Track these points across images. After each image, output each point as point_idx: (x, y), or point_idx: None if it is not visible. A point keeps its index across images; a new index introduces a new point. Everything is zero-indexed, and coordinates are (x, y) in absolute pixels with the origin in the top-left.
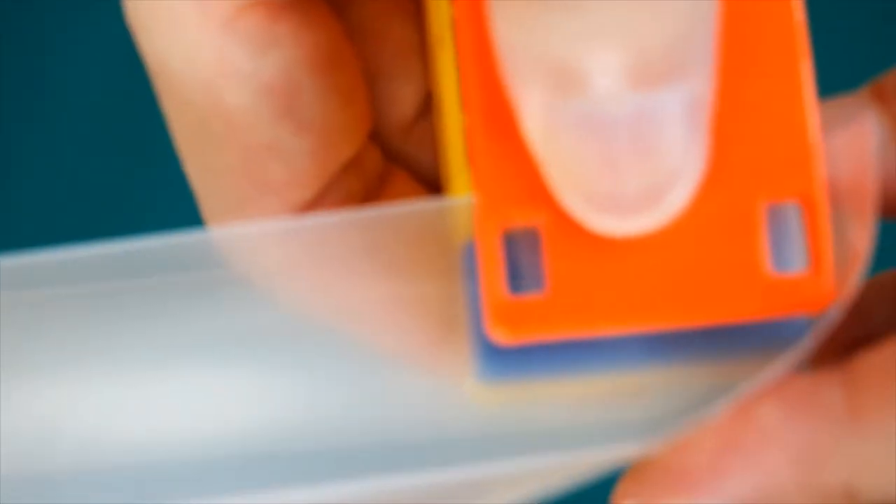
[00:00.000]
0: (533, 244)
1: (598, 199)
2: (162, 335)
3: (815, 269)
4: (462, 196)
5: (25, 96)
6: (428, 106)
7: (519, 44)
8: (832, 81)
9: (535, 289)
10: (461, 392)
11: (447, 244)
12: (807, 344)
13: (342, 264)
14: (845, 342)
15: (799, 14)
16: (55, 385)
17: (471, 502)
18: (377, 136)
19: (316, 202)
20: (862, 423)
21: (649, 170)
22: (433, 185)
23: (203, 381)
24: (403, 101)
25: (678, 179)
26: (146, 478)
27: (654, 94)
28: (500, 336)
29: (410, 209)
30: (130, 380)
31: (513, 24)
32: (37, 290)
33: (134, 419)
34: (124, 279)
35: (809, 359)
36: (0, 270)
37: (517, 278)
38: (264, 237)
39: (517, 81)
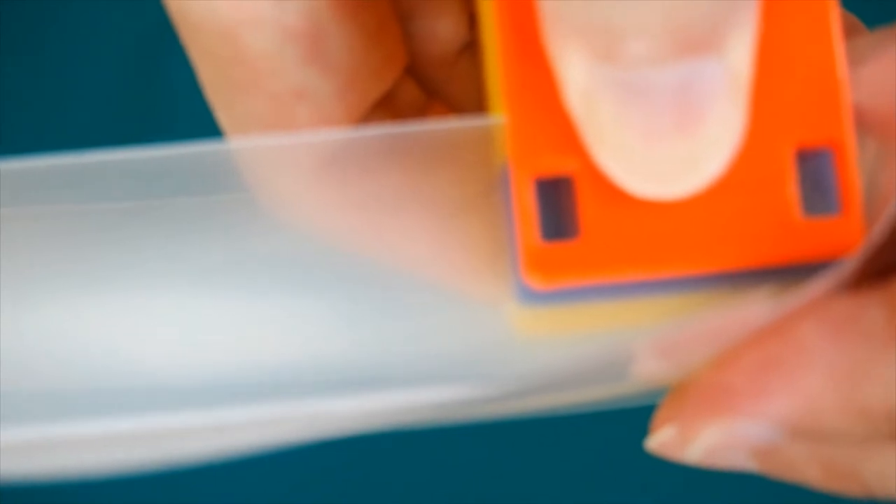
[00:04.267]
0: (567, 192)
1: (636, 164)
2: (184, 258)
3: (844, 212)
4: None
5: (51, 44)
6: (468, 41)
7: (563, 4)
8: None
9: (570, 235)
10: (501, 318)
11: (488, 163)
12: (846, 266)
13: (376, 185)
14: (885, 266)
15: None
16: (62, 305)
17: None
18: (416, 72)
19: None
20: None
21: (689, 138)
22: None
23: (229, 307)
24: (442, 36)
25: (717, 147)
26: (157, 400)
27: (697, 63)
28: (534, 282)
29: (448, 126)
30: (149, 304)
31: None
32: (48, 203)
33: (146, 343)
34: (144, 198)
35: (851, 280)
36: (2, 174)
37: (552, 224)
38: (292, 157)
39: (559, 42)
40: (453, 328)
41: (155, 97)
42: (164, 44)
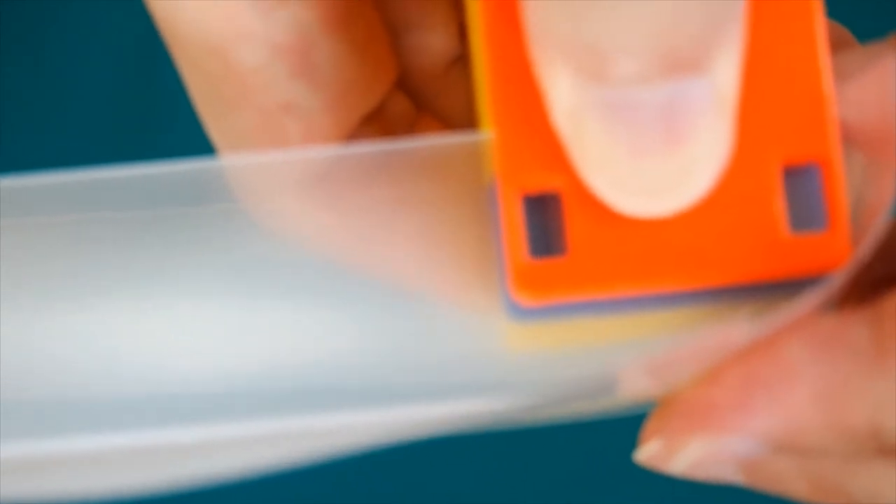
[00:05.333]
0: (555, 208)
1: (623, 182)
2: (177, 267)
3: (831, 228)
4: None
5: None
6: (459, 53)
7: (550, 23)
8: None
9: (557, 252)
10: (493, 332)
11: (478, 179)
12: (833, 282)
13: (367, 200)
14: (871, 282)
15: None
16: (60, 315)
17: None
18: (406, 85)
19: None
20: (888, 362)
21: (676, 156)
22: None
23: (223, 316)
24: (433, 49)
25: (705, 164)
26: (160, 409)
27: (684, 82)
28: (522, 299)
29: (438, 142)
30: (147, 311)
31: (545, 2)
32: (45, 215)
33: (148, 352)
34: (138, 209)
35: (836, 299)
36: (1, 190)
37: (540, 240)
38: (283, 173)
39: (546, 60)
40: (444, 343)
41: (154, 97)
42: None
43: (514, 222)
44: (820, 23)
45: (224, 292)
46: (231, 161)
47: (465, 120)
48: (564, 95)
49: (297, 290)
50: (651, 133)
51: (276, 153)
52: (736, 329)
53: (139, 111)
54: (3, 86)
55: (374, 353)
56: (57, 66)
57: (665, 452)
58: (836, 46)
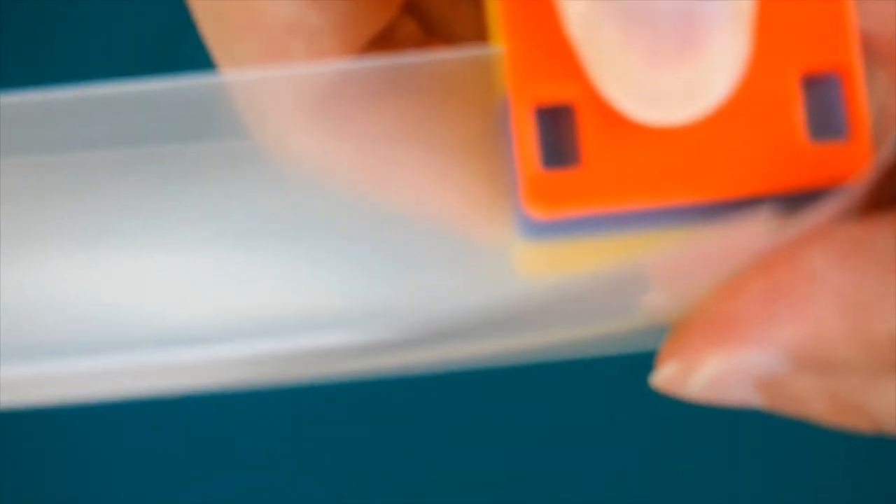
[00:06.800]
0: (568, 120)
1: (638, 90)
2: (186, 207)
3: (852, 137)
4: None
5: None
6: None
7: None
8: None
9: (571, 164)
10: (505, 262)
11: (488, 98)
12: (855, 189)
13: (375, 120)
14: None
15: None
16: (61, 257)
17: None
18: (415, 8)
19: None
20: None
21: (692, 62)
22: None
23: (232, 258)
24: None
25: (721, 72)
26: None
27: None
28: (535, 211)
29: (447, 56)
30: (151, 255)
31: None
32: (45, 153)
33: (148, 297)
34: (145, 145)
35: (859, 206)
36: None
37: (553, 153)
38: (289, 92)
39: None
40: (456, 271)
41: None
42: (175, 45)
43: (526, 134)
44: None
45: (229, 233)
46: (237, 77)
47: (478, 42)
48: (578, 3)
49: (303, 228)
50: (666, 40)
51: (281, 69)
52: (755, 233)
53: None
54: (11, 85)
55: (383, 288)
56: (67, 67)
57: (682, 374)
58: None
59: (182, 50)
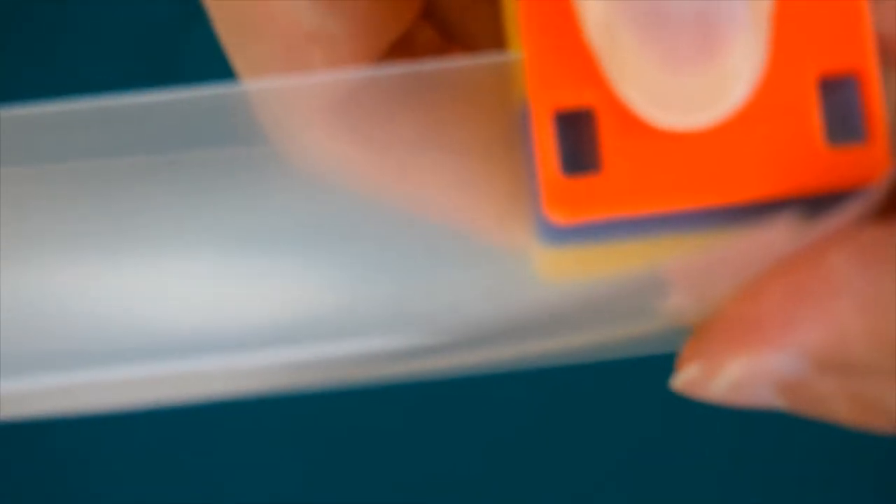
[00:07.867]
0: (589, 124)
1: (657, 95)
2: (201, 214)
3: (870, 140)
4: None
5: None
6: None
7: None
8: None
9: (591, 169)
10: (527, 266)
11: (507, 105)
12: (875, 192)
13: (394, 126)
14: None
15: None
16: (75, 264)
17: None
18: (433, 15)
19: None
20: None
21: (710, 66)
22: None
23: (254, 264)
24: None
25: (739, 75)
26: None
27: None
28: (557, 216)
29: (466, 63)
30: (165, 262)
31: None
32: (58, 161)
33: (161, 303)
34: (160, 152)
35: (879, 209)
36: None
37: (573, 158)
38: (308, 99)
39: None
40: (476, 277)
41: None
42: (177, 43)
43: (546, 139)
44: None
45: (251, 239)
46: (257, 85)
47: (496, 49)
48: (596, 8)
49: (322, 231)
50: (685, 44)
51: (300, 76)
52: (775, 236)
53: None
54: (13, 85)
55: (402, 293)
56: (68, 66)
57: (703, 376)
58: None
59: (184, 47)
